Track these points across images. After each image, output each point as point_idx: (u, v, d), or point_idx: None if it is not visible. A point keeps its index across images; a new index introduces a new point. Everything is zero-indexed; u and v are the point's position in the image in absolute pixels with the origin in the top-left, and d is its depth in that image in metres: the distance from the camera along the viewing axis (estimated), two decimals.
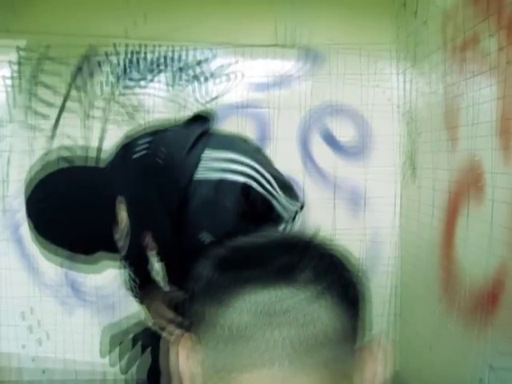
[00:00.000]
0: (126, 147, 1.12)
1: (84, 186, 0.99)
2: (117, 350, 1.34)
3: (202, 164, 1.06)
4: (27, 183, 1.01)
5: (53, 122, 2.23)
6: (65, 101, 2.24)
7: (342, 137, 2.29)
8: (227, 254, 0.44)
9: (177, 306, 1.33)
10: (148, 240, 1.09)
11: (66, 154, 1.16)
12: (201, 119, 1.18)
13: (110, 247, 1.03)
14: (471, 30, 1.50)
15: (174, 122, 1.22)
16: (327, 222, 2.20)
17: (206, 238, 1.19)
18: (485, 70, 1.42)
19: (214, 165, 1.06)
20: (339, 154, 2.29)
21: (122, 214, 1.01)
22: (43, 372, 2.30)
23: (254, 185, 1.08)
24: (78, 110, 2.23)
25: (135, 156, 1.09)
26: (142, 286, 1.37)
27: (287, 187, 1.17)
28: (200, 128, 1.14)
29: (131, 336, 1.37)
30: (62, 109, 2.24)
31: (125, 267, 1.39)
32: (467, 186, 1.55)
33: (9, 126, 2.25)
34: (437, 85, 1.82)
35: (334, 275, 0.42)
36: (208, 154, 1.07)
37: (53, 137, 2.24)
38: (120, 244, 1.02)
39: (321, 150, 2.26)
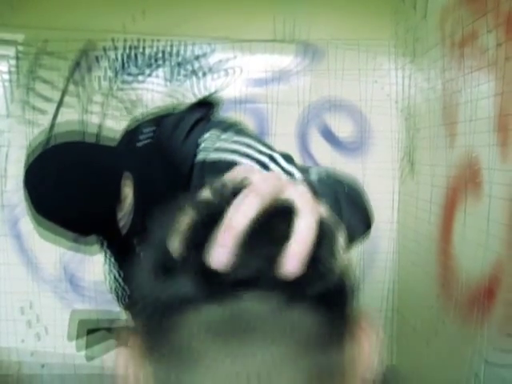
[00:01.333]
0: (131, 134, 1.11)
1: (90, 161, 0.95)
2: (85, 337, 1.34)
3: (201, 147, 1.05)
4: (29, 153, 0.96)
5: (51, 117, 2.23)
6: (63, 96, 2.24)
7: (340, 132, 2.29)
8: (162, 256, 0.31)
9: None
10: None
11: (73, 128, 1.13)
12: (204, 105, 1.17)
13: (107, 229, 0.99)
14: (470, 25, 1.50)
15: (179, 106, 1.20)
16: None
17: None
18: (483, 66, 1.42)
19: (211, 146, 1.05)
20: (337, 150, 2.29)
21: (127, 191, 0.97)
22: (42, 366, 2.31)
23: (245, 161, 1.04)
24: (76, 104, 2.23)
25: (139, 144, 1.07)
26: (130, 296, 1.36)
27: (290, 158, 1.09)
28: (200, 113, 1.12)
29: (105, 329, 1.36)
30: (59, 104, 2.23)
31: (109, 266, 1.38)
32: (465, 182, 1.55)
33: (6, 120, 2.25)
34: (435, 80, 1.81)
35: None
36: (206, 136, 1.06)
37: (51, 132, 2.24)
38: (122, 222, 0.98)
39: (319, 146, 2.27)
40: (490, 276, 1.38)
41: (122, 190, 0.96)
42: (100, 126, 2.18)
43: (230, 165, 1.02)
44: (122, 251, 1.39)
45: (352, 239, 0.79)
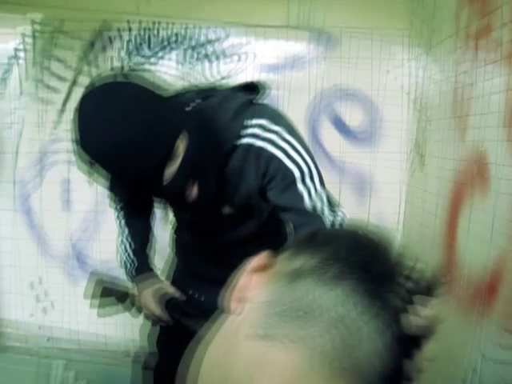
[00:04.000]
0: (178, 97, 1.09)
1: (153, 105, 0.89)
2: (99, 297, 1.37)
3: (249, 131, 1.05)
4: (88, 86, 0.90)
5: (64, 96, 2.25)
6: (76, 75, 2.25)
7: (351, 121, 2.27)
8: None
9: (168, 302, 1.34)
10: (193, 187, 0.98)
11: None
12: (250, 89, 1.16)
13: (149, 183, 0.92)
14: (485, 18, 1.48)
15: (223, 85, 1.20)
16: None
17: (225, 210, 1.20)
18: (497, 59, 1.40)
19: (245, 131, 1.05)
20: (347, 139, 2.28)
21: (181, 149, 0.92)
22: (48, 340, 2.37)
23: (269, 147, 1.04)
24: None
25: (188, 108, 1.06)
26: (139, 269, 1.38)
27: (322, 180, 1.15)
28: (247, 96, 1.12)
29: (118, 292, 1.39)
30: (73, 83, 2.25)
31: (122, 236, 1.40)
32: (473, 177, 1.54)
33: (20, 98, 2.28)
34: (449, 72, 1.79)
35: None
36: (246, 121, 1.06)
37: (63, 111, 2.26)
38: (166, 180, 0.92)
39: (329, 134, 2.26)
40: (492, 272, 1.37)
41: (176, 145, 0.91)
42: None
43: (275, 160, 1.03)
44: (135, 212, 1.41)
45: None
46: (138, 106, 0.86)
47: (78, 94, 2.24)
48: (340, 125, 2.28)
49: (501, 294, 1.33)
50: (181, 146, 0.92)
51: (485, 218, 1.42)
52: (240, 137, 1.05)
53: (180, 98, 1.09)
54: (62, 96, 2.26)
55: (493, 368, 1.34)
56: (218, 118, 1.05)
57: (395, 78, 2.24)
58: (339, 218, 1.14)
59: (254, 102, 1.13)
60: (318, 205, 1.09)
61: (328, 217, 1.10)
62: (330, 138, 2.26)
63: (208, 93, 1.13)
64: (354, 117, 2.27)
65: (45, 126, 2.28)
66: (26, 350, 2.39)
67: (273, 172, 1.07)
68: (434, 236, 1.85)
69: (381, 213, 2.30)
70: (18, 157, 2.31)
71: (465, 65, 1.64)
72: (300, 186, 1.07)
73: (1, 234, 2.40)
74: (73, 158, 2.21)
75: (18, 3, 2.20)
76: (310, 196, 1.08)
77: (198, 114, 1.04)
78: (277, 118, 1.10)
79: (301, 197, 1.07)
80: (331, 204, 1.14)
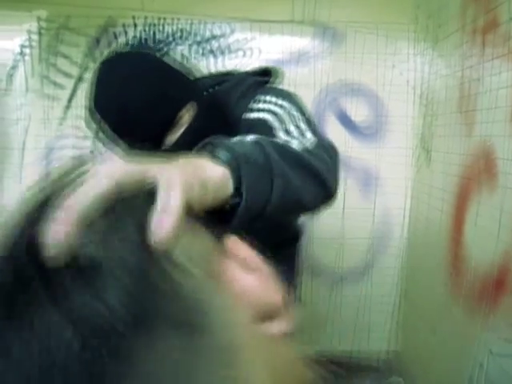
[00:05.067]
0: (197, 81, 1.11)
1: (165, 72, 0.93)
2: None
3: (251, 105, 1.04)
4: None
5: (69, 92, 2.26)
6: (82, 72, 2.25)
7: (356, 117, 2.27)
8: None
9: None
10: None
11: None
12: (265, 74, 1.16)
13: (148, 144, 0.93)
14: (491, 12, 1.47)
15: (236, 72, 1.20)
16: (337, 202, 2.19)
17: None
18: (504, 54, 1.40)
19: (257, 106, 1.04)
20: (353, 134, 2.27)
21: (185, 119, 0.95)
22: None
23: (271, 119, 0.99)
24: None
25: (205, 93, 1.08)
26: None
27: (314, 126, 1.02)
28: (258, 78, 1.13)
29: None
30: (78, 79, 2.25)
31: None
32: (480, 172, 1.53)
33: (26, 95, 2.28)
34: (455, 67, 1.78)
35: None
36: (253, 98, 1.05)
37: (69, 107, 2.27)
38: (167, 146, 0.94)
39: (334, 129, 2.25)
40: (499, 267, 1.37)
41: (181, 113, 0.93)
42: None
43: (260, 123, 0.99)
44: None
45: (298, 200, 0.69)
46: (148, 71, 0.90)
47: (83, 90, 2.24)
48: (345, 120, 2.27)
49: (507, 289, 1.32)
50: (186, 116, 0.95)
51: (492, 213, 1.42)
52: (246, 112, 1.05)
53: (197, 85, 1.10)
54: (68, 92, 2.26)
55: (499, 363, 1.34)
56: (229, 97, 1.07)
57: (401, 73, 2.23)
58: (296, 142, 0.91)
59: (267, 84, 1.14)
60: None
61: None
62: (336, 133, 2.25)
63: (223, 78, 1.15)
64: (359, 112, 2.27)
65: (51, 122, 2.28)
66: None
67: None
68: (440, 231, 1.84)
69: (386, 208, 2.30)
70: (24, 153, 2.32)
71: (471, 59, 1.63)
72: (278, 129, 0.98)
73: None
74: (77, 154, 2.23)
75: (23, 0, 2.21)
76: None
77: (211, 97, 1.06)
78: (283, 94, 1.07)
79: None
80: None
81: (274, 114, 0.99)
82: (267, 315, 0.29)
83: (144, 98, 0.88)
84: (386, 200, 2.30)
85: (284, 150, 0.70)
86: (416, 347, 2.12)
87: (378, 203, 2.30)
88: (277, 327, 0.29)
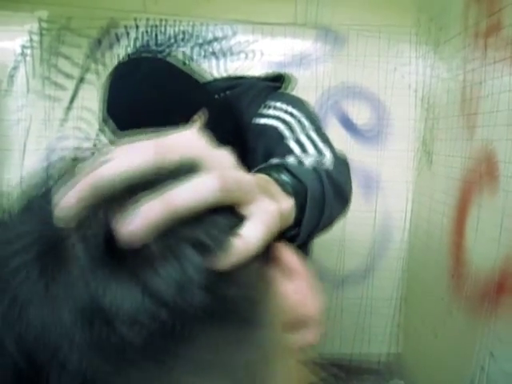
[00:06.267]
0: (208, 85, 1.12)
1: (176, 79, 0.94)
2: None
3: (261, 110, 1.05)
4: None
5: (71, 93, 2.26)
6: (83, 73, 2.25)
7: (358, 119, 2.27)
8: None
9: None
10: None
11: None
12: (275, 79, 1.17)
13: None
14: (494, 16, 1.47)
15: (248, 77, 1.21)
16: None
17: None
18: (506, 57, 1.40)
19: (267, 112, 1.05)
20: (354, 137, 2.28)
21: (198, 123, 0.95)
22: None
23: (281, 127, 1.00)
24: (95, 82, 2.25)
25: (216, 96, 1.08)
26: None
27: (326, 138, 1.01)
28: (269, 83, 1.13)
29: None
30: (80, 80, 2.25)
31: None
32: (481, 175, 1.54)
33: (27, 95, 2.28)
34: (457, 70, 1.79)
35: None
36: (268, 102, 1.06)
37: (70, 108, 2.27)
38: None
39: (336, 132, 2.25)
40: (500, 270, 1.37)
41: (193, 119, 0.94)
42: None
43: (270, 130, 1.00)
44: None
45: (330, 223, 0.75)
46: (161, 76, 0.91)
47: (84, 91, 2.24)
48: (347, 123, 2.27)
49: (508, 292, 1.32)
50: (198, 122, 0.95)
51: (493, 217, 1.42)
52: (256, 117, 1.06)
53: (208, 88, 1.10)
54: (69, 93, 2.26)
55: (500, 365, 1.34)
56: (240, 102, 1.07)
57: (402, 76, 2.23)
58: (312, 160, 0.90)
59: (278, 90, 1.14)
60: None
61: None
62: (337, 136, 2.24)
63: (234, 82, 1.15)
64: (361, 115, 2.27)
65: (52, 123, 2.28)
66: None
67: (271, 142, 1.02)
68: (441, 235, 1.84)
69: (388, 211, 2.30)
70: (25, 154, 2.32)
71: (473, 63, 1.63)
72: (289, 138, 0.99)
73: None
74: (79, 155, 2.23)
75: (25, 1, 2.21)
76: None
77: (222, 101, 1.07)
78: (294, 101, 1.07)
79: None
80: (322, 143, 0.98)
81: (284, 121, 1.00)
82: (297, 324, 0.29)
83: (158, 102, 0.88)
84: (388, 203, 2.30)
85: (332, 178, 0.73)
86: (417, 350, 2.12)
87: (379, 206, 2.30)
88: (303, 337, 0.29)
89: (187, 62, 1.02)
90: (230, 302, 0.23)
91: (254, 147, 1.07)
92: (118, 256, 0.22)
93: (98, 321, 0.21)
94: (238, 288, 0.24)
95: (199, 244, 0.23)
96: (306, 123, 0.99)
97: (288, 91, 1.16)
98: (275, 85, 1.14)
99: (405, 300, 2.33)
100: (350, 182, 0.87)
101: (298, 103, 1.06)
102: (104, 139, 1.00)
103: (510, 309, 1.31)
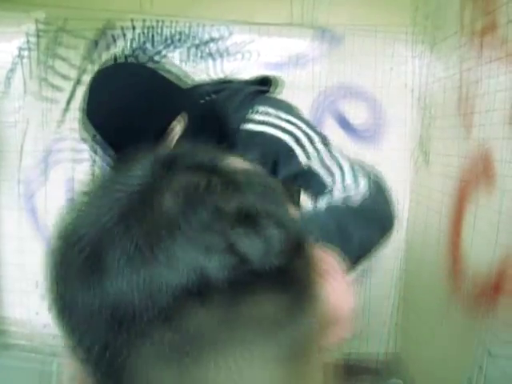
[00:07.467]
0: (196, 88, 1.12)
1: (157, 84, 0.94)
2: None
3: (247, 116, 1.04)
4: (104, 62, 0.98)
5: (68, 94, 2.26)
6: (80, 74, 2.25)
7: (354, 119, 2.27)
8: None
9: None
10: None
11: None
12: (264, 82, 1.16)
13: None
14: (490, 15, 1.47)
15: (235, 80, 1.21)
16: None
17: None
18: (502, 56, 1.40)
19: (259, 118, 1.04)
20: (351, 137, 2.28)
21: (177, 129, 0.95)
22: (53, 338, 2.37)
23: (285, 137, 1.00)
24: None
25: (202, 101, 1.08)
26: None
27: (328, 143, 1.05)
28: (256, 87, 1.12)
29: None
30: (77, 82, 2.25)
31: None
32: (478, 174, 1.54)
33: (24, 97, 2.28)
34: (453, 70, 1.79)
35: None
36: (257, 107, 1.05)
37: (67, 109, 2.27)
38: None
39: (333, 132, 2.25)
40: (497, 269, 1.38)
41: (172, 125, 0.94)
42: None
43: (270, 138, 1.00)
44: None
45: (370, 250, 0.82)
46: (140, 82, 0.91)
47: (81, 92, 2.24)
48: (344, 122, 2.28)
49: (505, 290, 1.33)
50: (177, 128, 0.95)
51: (490, 216, 1.42)
52: (241, 123, 1.05)
53: (195, 92, 1.10)
54: (66, 95, 2.26)
55: (498, 364, 1.34)
56: (226, 106, 1.07)
57: (399, 76, 2.23)
58: (355, 191, 0.91)
59: (266, 93, 1.13)
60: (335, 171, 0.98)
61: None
62: (334, 135, 2.20)
63: (222, 86, 1.14)
64: (357, 114, 2.27)
65: (49, 124, 2.28)
66: (31, 348, 2.40)
67: (275, 153, 1.03)
68: (438, 234, 1.85)
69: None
70: (22, 155, 2.32)
71: (469, 62, 1.63)
72: (298, 150, 1.01)
73: (6, 232, 2.41)
74: (77, 156, 2.23)
75: (22, 2, 2.20)
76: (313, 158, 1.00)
77: (208, 105, 1.07)
78: (284, 106, 1.07)
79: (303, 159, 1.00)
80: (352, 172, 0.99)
81: (285, 130, 1.00)
82: (330, 322, 0.32)
83: (133, 108, 0.89)
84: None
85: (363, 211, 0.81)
86: (415, 349, 2.13)
87: None
88: (335, 334, 0.31)
89: (172, 68, 1.01)
90: (299, 271, 0.27)
91: (243, 152, 1.06)
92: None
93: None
94: (306, 263, 0.28)
95: (281, 223, 0.27)
96: (311, 133, 1.01)
97: (275, 94, 1.15)
98: (263, 88, 1.13)
99: (403, 299, 2.33)
100: (390, 202, 0.93)
101: (288, 108, 1.06)
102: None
103: (507, 307, 1.31)
